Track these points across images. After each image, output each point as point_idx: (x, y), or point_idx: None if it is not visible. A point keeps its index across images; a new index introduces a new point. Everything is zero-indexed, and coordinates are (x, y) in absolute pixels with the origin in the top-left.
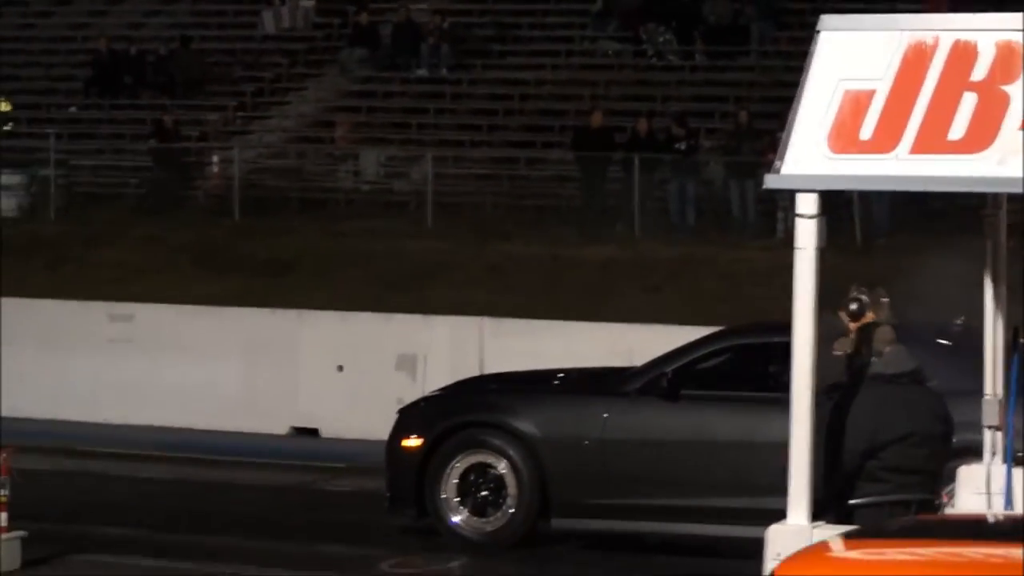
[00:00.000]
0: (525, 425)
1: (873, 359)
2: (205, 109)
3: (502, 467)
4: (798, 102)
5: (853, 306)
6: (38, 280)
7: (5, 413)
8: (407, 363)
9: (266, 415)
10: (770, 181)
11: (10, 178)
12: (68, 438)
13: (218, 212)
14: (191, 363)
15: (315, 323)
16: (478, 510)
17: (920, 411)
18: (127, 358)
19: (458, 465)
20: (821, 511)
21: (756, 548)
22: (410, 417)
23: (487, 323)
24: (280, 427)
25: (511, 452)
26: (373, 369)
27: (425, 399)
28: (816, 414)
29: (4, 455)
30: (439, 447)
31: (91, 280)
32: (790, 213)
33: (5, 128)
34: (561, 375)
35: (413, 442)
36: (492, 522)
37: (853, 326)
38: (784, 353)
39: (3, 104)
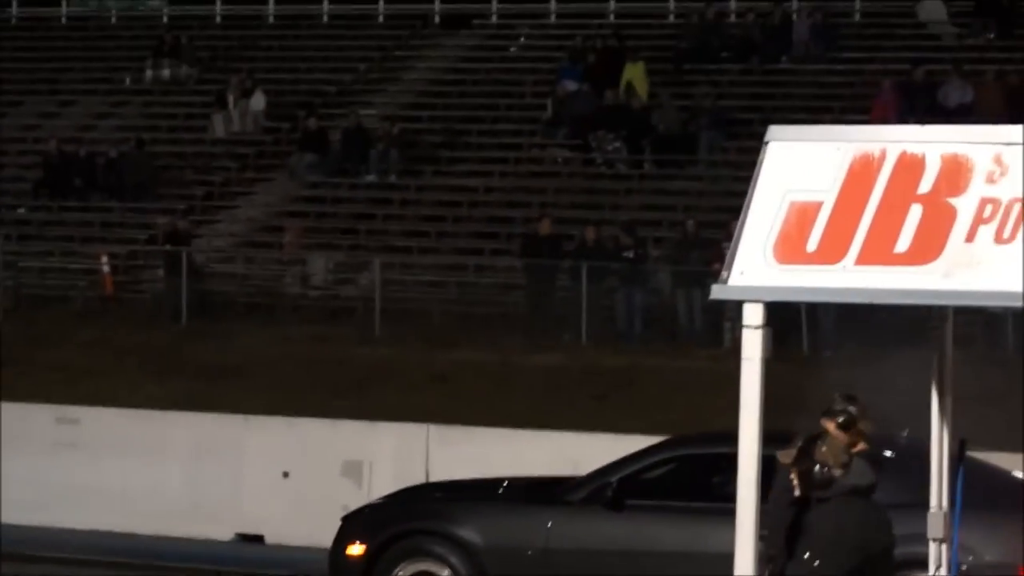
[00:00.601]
0: (468, 533)
1: (836, 471)
2: (154, 212)
3: (444, 575)
4: (745, 212)
5: (841, 418)
6: None
7: None
8: (353, 470)
9: (211, 520)
10: (716, 291)
11: None
12: (10, 543)
13: (165, 316)
14: (136, 467)
15: (261, 428)
16: None
17: (872, 524)
18: (72, 461)
19: (401, 573)
20: None
21: None
22: (353, 524)
23: (433, 430)
24: (225, 532)
25: (454, 560)
26: (319, 475)
27: (369, 506)
28: (778, 522)
29: None
30: (382, 555)
31: (37, 382)
32: (737, 323)
33: None
34: (506, 484)
35: (356, 550)
36: None
37: (841, 435)
38: (728, 463)
39: None
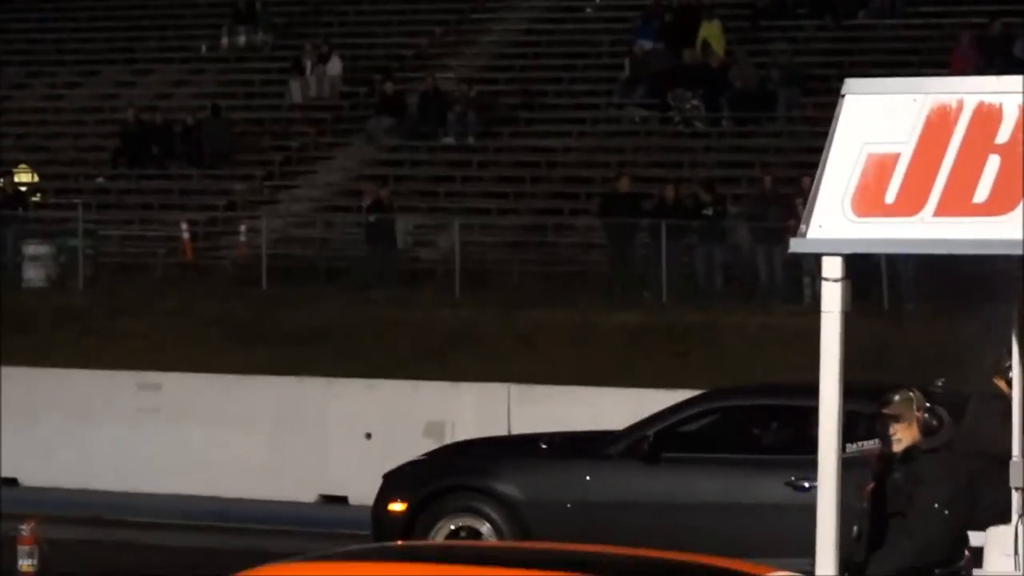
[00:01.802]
0: (508, 488)
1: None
2: (233, 179)
3: (485, 530)
4: (823, 166)
5: (1011, 374)
6: (66, 351)
7: (32, 483)
8: (435, 430)
9: (295, 483)
10: (795, 245)
11: (38, 249)
12: (96, 508)
13: (246, 282)
14: (219, 432)
15: (343, 391)
16: None
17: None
18: (154, 428)
19: (442, 529)
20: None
21: None
22: (395, 482)
23: (514, 390)
24: (309, 495)
25: (494, 515)
26: (401, 437)
27: (410, 464)
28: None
29: (31, 525)
30: (423, 511)
31: (118, 351)
32: (816, 278)
33: (33, 199)
34: (546, 439)
35: (398, 506)
36: None
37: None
38: (765, 415)
39: (31, 175)
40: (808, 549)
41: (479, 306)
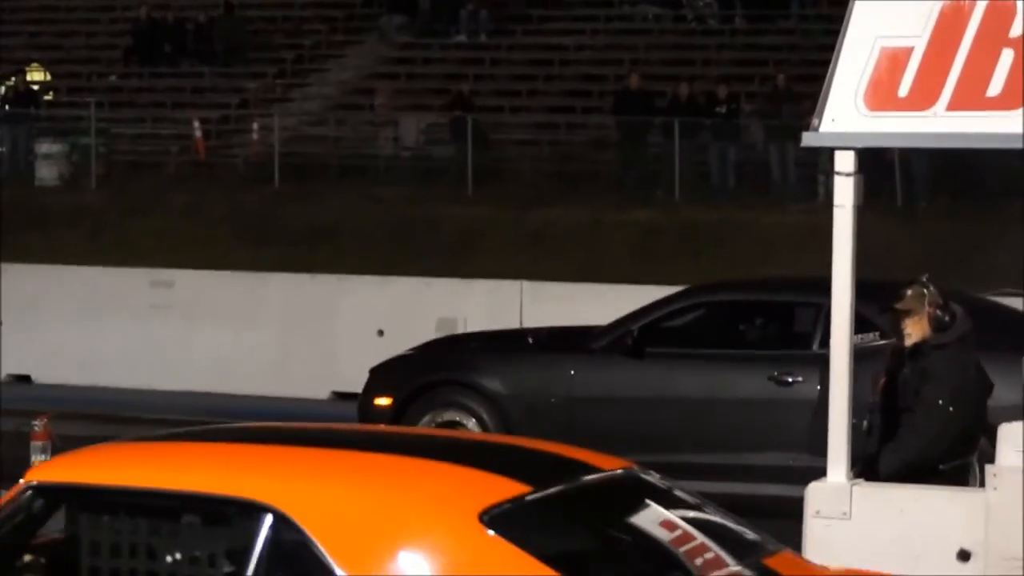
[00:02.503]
0: (493, 383)
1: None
2: (245, 77)
3: (471, 425)
4: (835, 60)
5: None
6: (78, 248)
7: (44, 380)
8: (447, 327)
9: (307, 380)
10: (808, 139)
11: (50, 147)
12: (107, 404)
13: (258, 179)
14: (231, 329)
15: (355, 288)
16: None
17: (976, 367)
18: (167, 325)
19: (428, 423)
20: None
21: (721, 503)
22: (381, 376)
23: (527, 286)
24: (321, 392)
25: (479, 410)
26: (413, 333)
27: (397, 358)
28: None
29: (44, 421)
30: (409, 406)
31: (131, 248)
32: (831, 176)
33: (45, 97)
34: (533, 334)
35: (383, 401)
36: None
37: None
38: (749, 311)
39: (44, 73)
40: (791, 443)
41: (492, 204)
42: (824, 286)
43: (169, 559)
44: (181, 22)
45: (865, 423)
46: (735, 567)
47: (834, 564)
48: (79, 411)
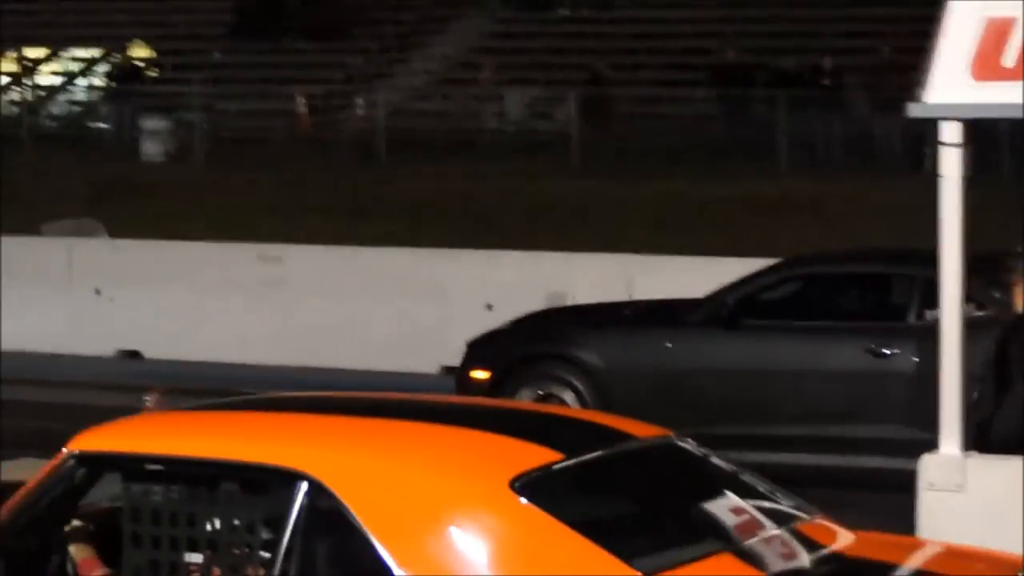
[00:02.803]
0: (590, 356)
1: None
2: (349, 52)
3: (568, 398)
4: (941, 30)
5: None
6: (185, 223)
7: (154, 355)
8: (556, 301)
9: (416, 354)
10: (913, 110)
11: (156, 123)
12: (216, 379)
13: (363, 154)
14: (340, 304)
15: (464, 262)
16: None
17: None
18: (275, 300)
19: (525, 397)
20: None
21: (815, 476)
22: (478, 350)
23: (635, 260)
24: (430, 366)
25: (576, 383)
26: (522, 307)
27: (494, 331)
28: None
29: (155, 396)
30: (506, 379)
31: (236, 224)
32: (937, 147)
33: (150, 74)
34: (630, 307)
35: (480, 374)
36: None
37: None
38: (847, 282)
39: (148, 50)
40: (886, 416)
41: (597, 177)
42: (920, 257)
43: (208, 527)
44: None
45: (975, 394)
46: (771, 531)
47: (947, 537)
48: (189, 386)
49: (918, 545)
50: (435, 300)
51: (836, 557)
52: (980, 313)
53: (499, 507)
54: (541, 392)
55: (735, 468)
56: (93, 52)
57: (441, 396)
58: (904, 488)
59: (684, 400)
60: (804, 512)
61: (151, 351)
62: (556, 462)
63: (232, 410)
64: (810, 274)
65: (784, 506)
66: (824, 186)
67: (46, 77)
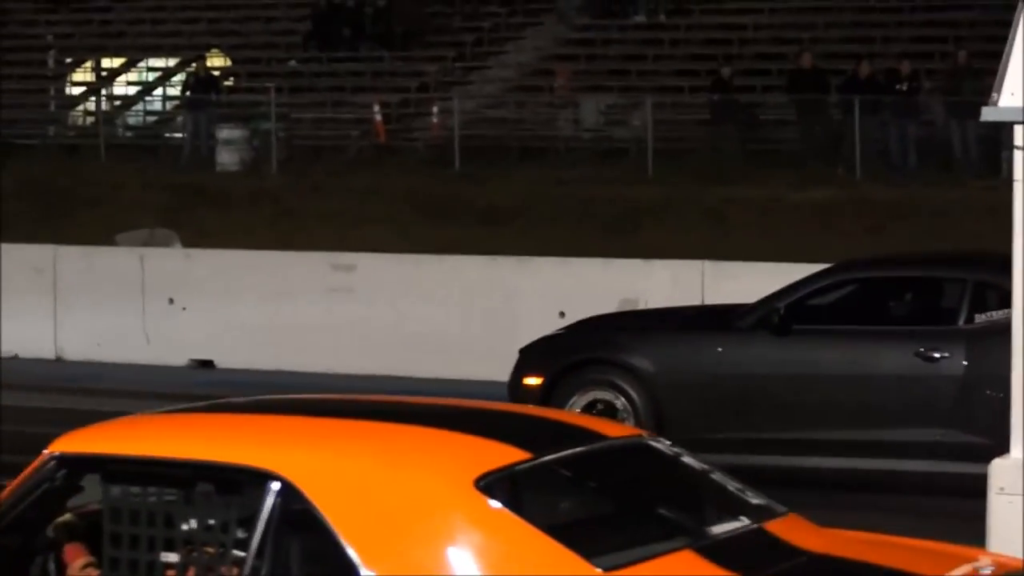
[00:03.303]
0: (641, 362)
1: None
2: (424, 60)
3: (619, 404)
4: (1014, 33)
5: None
6: (259, 232)
7: (227, 364)
8: (629, 307)
9: (487, 361)
10: (987, 113)
11: (231, 133)
12: (289, 388)
13: (438, 162)
14: (413, 312)
15: (536, 269)
16: None
17: None
18: (348, 308)
19: (577, 402)
20: None
21: (867, 479)
22: (530, 356)
23: (708, 266)
24: (503, 374)
25: (628, 389)
26: (595, 314)
27: (546, 338)
28: None
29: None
30: (558, 385)
31: (312, 232)
32: (1012, 151)
33: (225, 83)
34: (681, 312)
35: (533, 380)
36: None
37: None
38: (897, 286)
39: (224, 59)
40: (937, 420)
41: (671, 183)
42: (970, 261)
43: (185, 527)
44: (360, 6)
45: None
46: (737, 528)
47: (1019, 542)
48: (263, 395)
49: (890, 543)
50: (508, 308)
51: (803, 554)
52: None
53: (464, 506)
54: (588, 400)
55: (706, 467)
56: (169, 62)
57: (415, 397)
58: (955, 492)
59: (734, 405)
60: (773, 510)
61: (224, 360)
62: (522, 461)
63: (211, 412)
64: (860, 278)
65: (753, 504)
66: (901, 191)
67: (122, 87)
